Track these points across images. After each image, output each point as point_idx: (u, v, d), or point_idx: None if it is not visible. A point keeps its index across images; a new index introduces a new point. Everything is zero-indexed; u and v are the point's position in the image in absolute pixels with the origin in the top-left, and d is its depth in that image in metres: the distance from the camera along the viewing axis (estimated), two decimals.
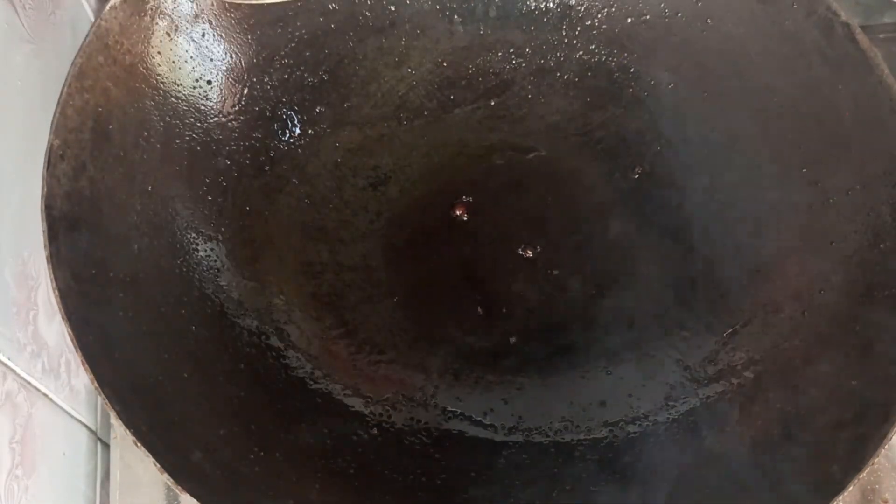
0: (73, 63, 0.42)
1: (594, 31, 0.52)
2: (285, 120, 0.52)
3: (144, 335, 0.43)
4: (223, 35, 0.48)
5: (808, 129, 0.47)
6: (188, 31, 0.47)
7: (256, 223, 0.50)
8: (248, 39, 0.49)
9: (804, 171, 0.47)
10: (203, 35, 0.48)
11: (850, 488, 0.38)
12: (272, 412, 0.46)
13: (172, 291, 0.46)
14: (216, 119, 0.49)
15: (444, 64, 0.54)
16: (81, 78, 0.42)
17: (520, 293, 0.51)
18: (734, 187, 0.50)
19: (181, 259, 0.47)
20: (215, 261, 0.48)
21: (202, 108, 0.49)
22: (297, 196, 0.52)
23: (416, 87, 0.54)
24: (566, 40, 0.53)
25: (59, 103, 0.41)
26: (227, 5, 0.47)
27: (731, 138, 0.50)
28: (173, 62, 0.47)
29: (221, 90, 0.49)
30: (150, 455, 0.37)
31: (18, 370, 0.42)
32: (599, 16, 0.52)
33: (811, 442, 0.41)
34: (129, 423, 0.38)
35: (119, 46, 0.44)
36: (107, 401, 0.38)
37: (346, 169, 0.53)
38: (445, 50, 0.53)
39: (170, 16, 0.46)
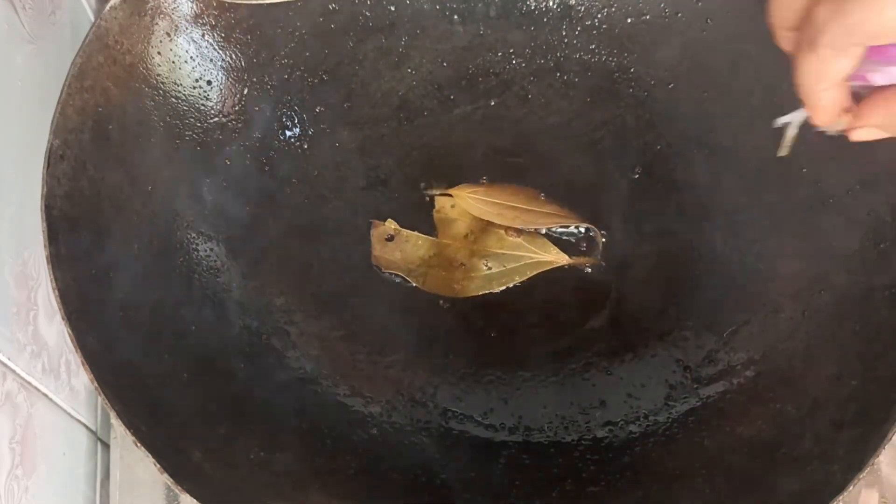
0: (73, 63, 0.42)
1: (594, 31, 0.52)
2: (285, 120, 0.52)
3: (144, 335, 0.43)
4: (223, 35, 0.48)
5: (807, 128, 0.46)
6: (188, 31, 0.47)
7: (256, 223, 0.50)
8: (248, 39, 0.49)
9: (804, 171, 0.47)
10: (203, 35, 0.48)
11: (850, 488, 0.38)
12: (272, 412, 0.46)
13: (172, 291, 0.46)
14: (216, 119, 0.49)
15: (444, 64, 0.54)
16: (81, 78, 0.42)
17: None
18: (734, 187, 0.50)
19: (181, 259, 0.47)
20: (215, 261, 0.48)
21: (202, 108, 0.49)
22: (297, 196, 0.52)
23: (416, 87, 0.54)
24: (566, 40, 0.53)
25: (59, 103, 0.41)
26: (227, 5, 0.47)
27: (731, 138, 0.50)
28: (173, 62, 0.47)
29: (221, 90, 0.49)
30: (150, 455, 0.37)
31: (18, 370, 0.42)
32: (599, 16, 0.52)
33: (811, 442, 0.41)
34: (129, 424, 0.38)
35: (119, 46, 0.44)
36: (107, 401, 0.38)
37: (346, 169, 0.53)
38: (445, 50, 0.53)
39: (170, 16, 0.46)
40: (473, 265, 0.51)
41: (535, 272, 0.50)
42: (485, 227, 0.51)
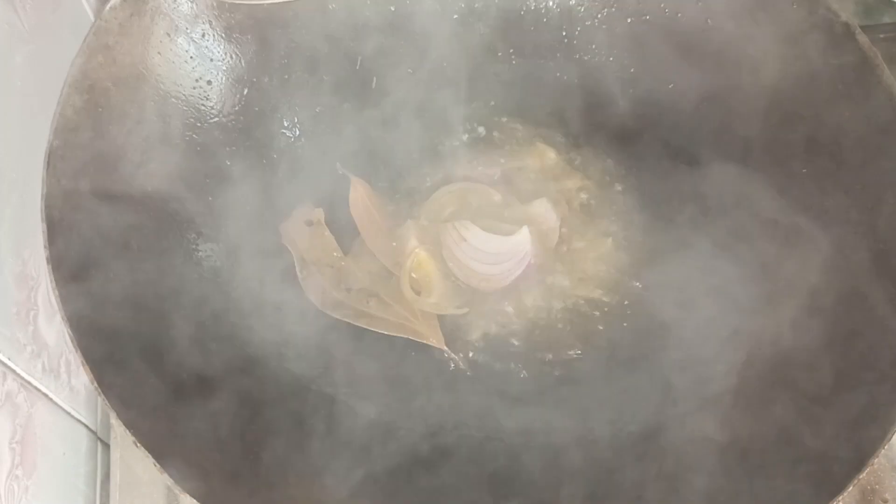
0: (72, 63, 0.42)
1: (594, 31, 0.52)
2: (285, 121, 0.52)
3: (145, 336, 0.43)
4: (223, 35, 0.48)
5: (807, 128, 0.47)
6: (188, 31, 0.47)
7: (257, 224, 0.50)
8: (248, 39, 0.49)
9: (804, 171, 0.47)
10: (203, 35, 0.48)
11: (850, 488, 0.38)
12: (272, 411, 0.46)
13: (172, 292, 0.46)
14: (216, 119, 0.49)
15: (445, 65, 0.54)
16: (81, 78, 0.42)
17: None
18: (735, 188, 0.50)
19: (181, 259, 0.47)
20: (215, 261, 0.48)
21: (202, 108, 0.49)
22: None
23: (417, 88, 0.54)
24: (566, 40, 0.53)
25: (59, 103, 0.41)
26: (227, 5, 0.47)
27: (731, 138, 0.50)
28: (173, 62, 0.47)
29: (221, 90, 0.49)
30: (149, 455, 0.37)
31: (18, 370, 0.42)
32: (599, 16, 0.52)
33: (811, 442, 0.41)
34: (129, 424, 0.38)
35: (119, 46, 0.44)
36: (107, 401, 0.38)
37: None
38: (446, 50, 0.53)
39: (169, 16, 0.46)
40: (356, 296, 0.49)
41: (400, 333, 0.48)
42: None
